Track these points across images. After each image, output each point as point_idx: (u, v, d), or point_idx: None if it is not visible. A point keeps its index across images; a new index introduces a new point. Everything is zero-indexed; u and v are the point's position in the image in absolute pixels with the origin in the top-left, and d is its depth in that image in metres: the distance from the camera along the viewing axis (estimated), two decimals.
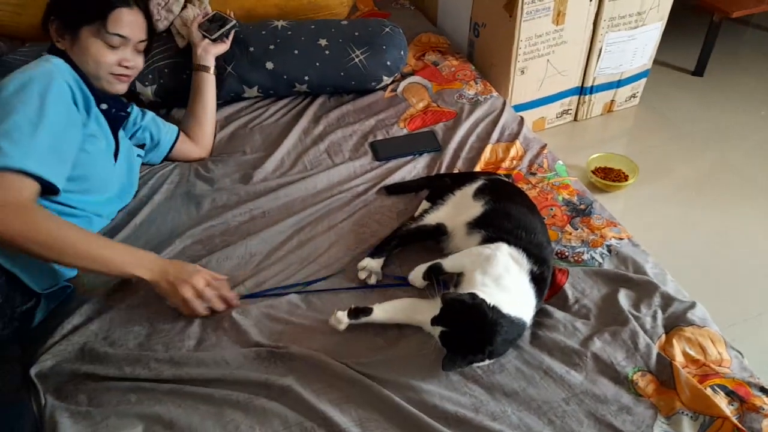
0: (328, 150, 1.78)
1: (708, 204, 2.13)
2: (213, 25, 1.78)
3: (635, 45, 2.26)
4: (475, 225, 1.37)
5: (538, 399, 1.16)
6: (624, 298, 1.33)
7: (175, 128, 1.72)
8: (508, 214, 1.38)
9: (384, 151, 1.76)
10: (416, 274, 1.33)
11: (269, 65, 1.86)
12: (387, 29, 1.93)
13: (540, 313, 1.31)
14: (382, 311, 1.28)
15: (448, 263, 1.29)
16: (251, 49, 1.87)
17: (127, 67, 1.45)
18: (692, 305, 1.30)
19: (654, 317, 1.29)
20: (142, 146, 1.66)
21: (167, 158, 1.73)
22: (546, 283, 1.27)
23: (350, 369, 1.20)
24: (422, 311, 1.26)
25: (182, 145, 1.73)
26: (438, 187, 1.55)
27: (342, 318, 1.25)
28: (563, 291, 1.36)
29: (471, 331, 1.11)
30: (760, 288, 1.83)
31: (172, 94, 1.84)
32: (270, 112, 1.92)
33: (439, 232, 1.42)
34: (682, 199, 2.16)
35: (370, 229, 1.53)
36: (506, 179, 1.65)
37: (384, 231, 1.50)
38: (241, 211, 1.57)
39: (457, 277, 1.26)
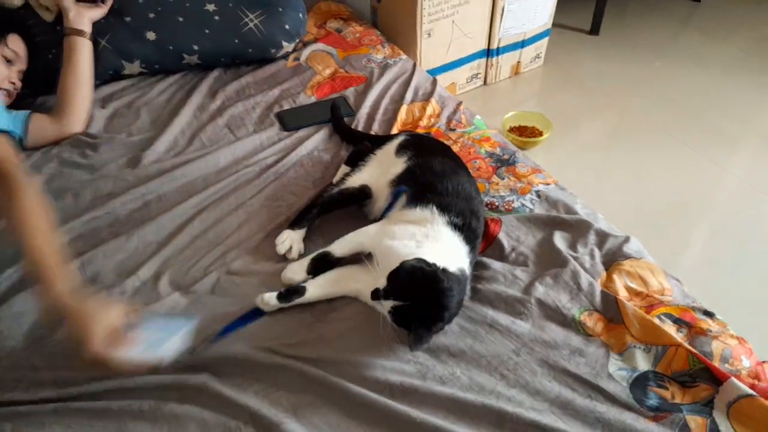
0: (228, 125, 1.61)
1: (621, 150, 2.17)
2: None
3: (536, 3, 2.25)
4: (398, 183, 1.25)
5: (487, 355, 1.06)
6: (560, 240, 1.27)
7: (23, 112, 1.48)
8: (431, 168, 1.27)
9: (292, 120, 1.61)
10: (292, 273, 1.16)
11: (150, 35, 1.65)
12: None
13: (477, 267, 1.22)
14: (317, 288, 1.14)
15: (338, 247, 1.17)
16: (127, 19, 1.65)
17: None
18: (626, 239, 1.26)
19: (592, 255, 1.23)
20: None
21: (28, 147, 1.48)
22: (475, 234, 1.18)
23: (275, 354, 1.05)
24: (359, 279, 1.13)
25: (40, 124, 1.48)
26: (357, 151, 1.42)
27: (270, 301, 1.10)
28: (498, 241, 1.28)
29: (427, 299, 0.99)
30: (683, 221, 1.87)
31: (37, 77, 1.59)
32: (158, 90, 1.70)
33: (364, 194, 1.29)
34: (597, 148, 2.18)
35: (286, 202, 1.38)
36: (427, 135, 1.56)
37: (301, 203, 1.35)
38: (130, 197, 1.36)
39: (366, 258, 1.15)
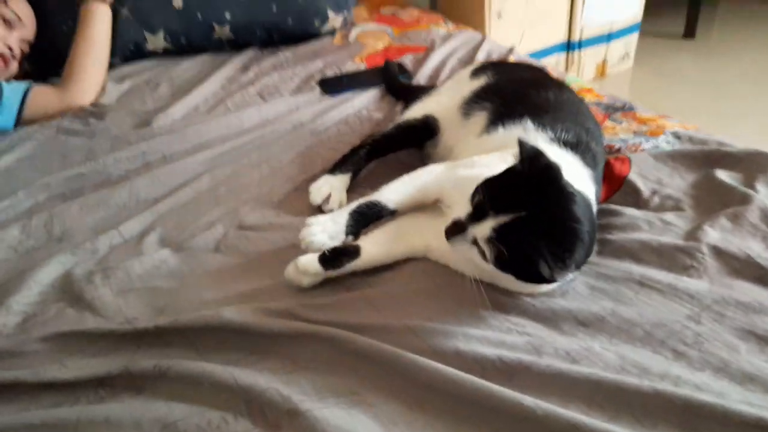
0: (260, 92, 1.31)
1: None
2: None
3: None
4: (474, 101, 0.89)
5: (644, 322, 0.63)
6: (727, 178, 0.84)
7: (23, 83, 1.24)
8: (521, 79, 0.91)
9: (336, 85, 1.30)
10: (320, 229, 0.74)
11: (177, 2, 1.42)
12: None
13: (603, 215, 0.81)
14: (376, 246, 0.74)
15: (392, 194, 0.77)
16: None
17: None
18: None
19: None
20: None
21: (25, 119, 1.23)
22: (595, 160, 0.78)
23: (294, 318, 0.66)
24: (427, 231, 0.75)
25: (42, 95, 1.24)
26: (419, 88, 1.08)
27: (309, 266, 0.70)
28: (630, 183, 0.87)
29: (556, 204, 0.62)
30: None
31: (47, 54, 1.37)
32: (183, 68, 1.45)
33: (428, 128, 0.93)
34: None
35: (322, 157, 1.03)
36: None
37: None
38: (128, 154, 1.06)
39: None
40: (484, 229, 0.62)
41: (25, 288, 0.75)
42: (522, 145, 0.63)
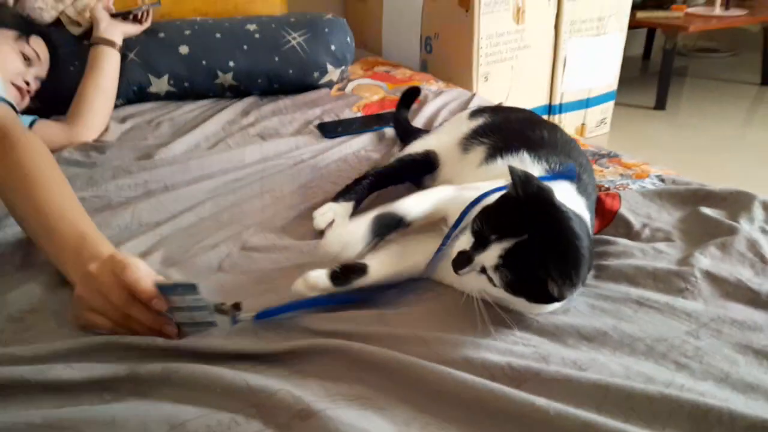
0: (260, 134, 1.35)
1: None
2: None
3: (600, 56, 2.09)
4: (473, 137, 0.94)
5: (645, 337, 0.65)
6: (712, 213, 0.89)
7: (29, 117, 1.27)
8: (517, 119, 0.97)
9: (334, 128, 1.35)
10: (345, 237, 0.73)
11: (183, 49, 1.49)
12: (328, 16, 1.64)
13: (598, 244, 0.84)
14: (381, 265, 0.75)
15: (412, 207, 0.77)
16: (161, 35, 1.51)
17: None
18: None
19: (764, 232, 0.85)
20: None
21: None
22: (588, 191, 0.82)
23: (304, 329, 0.67)
24: (431, 250, 0.75)
25: (47, 129, 1.25)
26: (417, 130, 1.13)
27: (318, 282, 0.70)
28: (621, 217, 0.91)
29: (555, 225, 0.64)
30: None
31: (54, 92, 1.40)
32: (184, 110, 1.49)
33: (429, 162, 0.97)
34: None
35: (323, 189, 1.06)
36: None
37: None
38: (130, 182, 1.07)
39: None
40: (490, 257, 0.63)
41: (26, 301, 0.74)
42: (513, 171, 0.66)
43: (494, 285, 0.65)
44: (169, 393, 0.58)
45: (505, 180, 0.74)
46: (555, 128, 0.95)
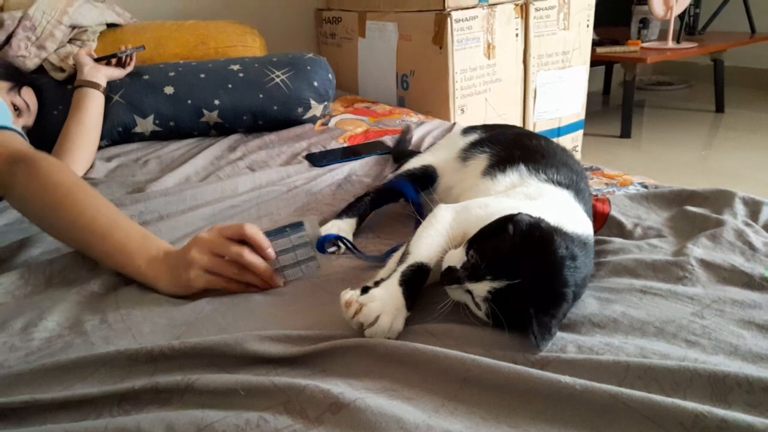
0: (250, 166, 1.37)
1: None
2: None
3: (567, 87, 2.19)
4: (471, 149, 0.97)
5: (653, 321, 0.67)
6: (698, 210, 0.93)
7: None
8: (511, 131, 1.01)
9: (322, 158, 1.38)
10: (379, 306, 0.66)
11: (168, 90, 1.51)
12: (309, 55, 1.69)
13: (594, 244, 0.87)
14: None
15: (424, 252, 0.73)
16: (146, 77, 1.53)
17: None
18: None
19: (748, 225, 0.89)
20: None
21: None
22: (585, 199, 0.85)
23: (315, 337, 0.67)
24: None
25: None
26: (411, 152, 1.16)
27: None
28: (613, 219, 0.95)
29: (544, 272, 0.65)
30: None
31: (38, 135, 1.40)
32: (171, 148, 1.51)
33: (427, 177, 1.00)
34: None
35: (320, 211, 1.08)
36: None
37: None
38: (125, 212, 1.06)
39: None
40: (480, 289, 0.64)
41: (31, 325, 0.73)
42: (517, 221, 0.65)
43: (478, 308, 0.66)
44: (191, 399, 0.58)
45: (513, 205, 0.75)
46: (548, 140, 0.99)
